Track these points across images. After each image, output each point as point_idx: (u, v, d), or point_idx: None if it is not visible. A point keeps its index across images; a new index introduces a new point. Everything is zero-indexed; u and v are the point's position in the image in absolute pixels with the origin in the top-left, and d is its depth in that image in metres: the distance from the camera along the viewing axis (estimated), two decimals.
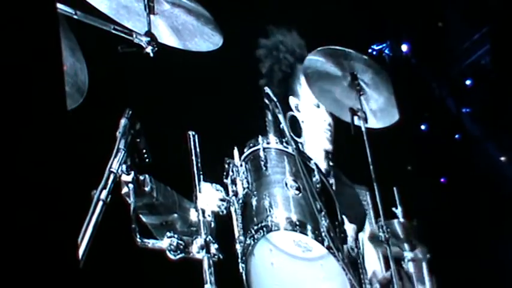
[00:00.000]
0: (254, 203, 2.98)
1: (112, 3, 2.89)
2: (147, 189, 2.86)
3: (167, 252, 2.78)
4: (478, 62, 7.25)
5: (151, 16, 2.89)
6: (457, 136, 7.33)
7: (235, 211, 3.01)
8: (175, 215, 3.00)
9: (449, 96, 7.41)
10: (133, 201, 2.75)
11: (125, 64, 3.48)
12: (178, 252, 2.78)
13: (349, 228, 3.33)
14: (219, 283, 2.77)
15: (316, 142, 3.96)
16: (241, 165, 3.10)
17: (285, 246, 2.94)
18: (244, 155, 3.15)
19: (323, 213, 2.92)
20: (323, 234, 2.85)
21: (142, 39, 2.79)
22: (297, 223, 2.89)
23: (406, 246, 3.49)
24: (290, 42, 4.11)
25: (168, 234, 2.80)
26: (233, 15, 4.11)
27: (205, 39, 3.10)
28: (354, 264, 3.14)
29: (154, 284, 3.57)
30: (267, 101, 3.37)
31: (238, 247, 2.93)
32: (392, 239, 3.30)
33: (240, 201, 3.02)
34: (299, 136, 3.90)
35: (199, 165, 2.97)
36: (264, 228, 2.87)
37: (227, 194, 3.02)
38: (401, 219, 3.55)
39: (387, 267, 3.41)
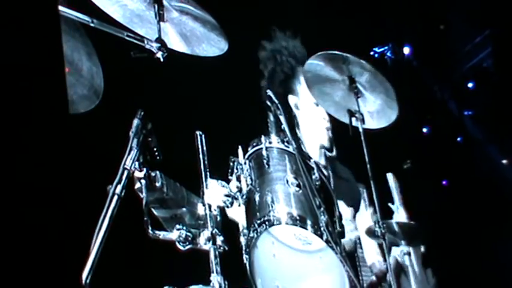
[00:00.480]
0: (257, 198, 3.04)
1: (126, 12, 2.99)
2: (158, 184, 2.96)
3: (177, 243, 2.88)
4: (480, 65, 7.20)
5: (162, 23, 2.97)
6: (458, 139, 7.30)
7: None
8: (184, 209, 3.10)
9: (451, 98, 7.34)
10: (145, 195, 2.87)
11: (137, 68, 3.53)
12: (187, 243, 2.87)
13: (347, 211, 3.41)
14: (224, 272, 2.84)
15: (315, 138, 4.05)
16: (245, 163, 3.16)
17: (286, 239, 3.01)
18: (248, 153, 3.21)
19: (322, 209, 2.99)
20: (322, 228, 2.92)
21: (153, 45, 2.88)
22: (298, 218, 2.95)
23: (402, 241, 3.51)
24: (292, 46, 4.17)
25: (178, 226, 2.89)
26: (237, 22, 4.11)
27: (212, 45, 3.16)
28: (351, 257, 3.24)
29: (164, 272, 3.58)
30: (269, 103, 3.44)
31: (242, 239, 3.00)
32: (388, 234, 3.33)
33: (244, 197, 3.07)
34: (299, 132, 3.98)
35: (206, 162, 3.06)
36: (267, 222, 2.93)
37: (232, 190, 3.05)
38: (399, 219, 3.61)
39: (385, 259, 3.42)
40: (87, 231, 2.45)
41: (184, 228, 2.91)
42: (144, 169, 2.87)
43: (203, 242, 2.90)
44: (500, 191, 6.98)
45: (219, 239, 2.92)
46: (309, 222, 2.96)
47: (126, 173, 2.72)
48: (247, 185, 3.10)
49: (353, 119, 3.59)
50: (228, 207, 3.04)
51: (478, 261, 6.32)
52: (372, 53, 6.94)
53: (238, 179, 3.13)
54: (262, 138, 3.22)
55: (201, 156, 3.08)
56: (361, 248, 3.93)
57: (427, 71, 7.33)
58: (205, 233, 2.91)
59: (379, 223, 3.33)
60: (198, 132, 3.15)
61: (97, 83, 2.83)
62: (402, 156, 6.55)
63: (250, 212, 3.06)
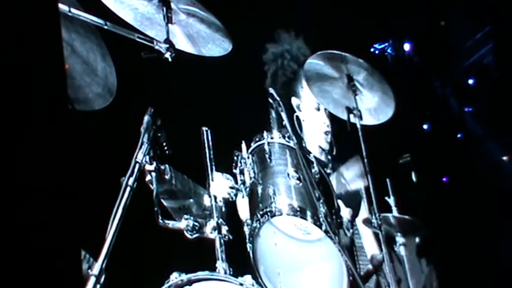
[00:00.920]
0: (260, 190, 3.20)
1: (137, 15, 3.18)
2: (167, 177, 3.13)
3: (184, 232, 3.05)
4: (481, 61, 7.19)
5: (170, 25, 3.15)
6: (459, 135, 7.29)
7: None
8: (191, 200, 3.27)
9: (451, 95, 7.33)
10: (155, 187, 3.01)
11: (147, 68, 3.66)
12: (194, 232, 3.05)
13: (345, 211, 3.57)
14: (229, 259, 3.01)
15: (315, 141, 4.21)
16: (248, 158, 3.31)
17: (287, 229, 3.17)
18: (251, 148, 3.37)
19: (321, 200, 3.16)
20: (321, 219, 3.09)
21: (162, 46, 3.04)
22: (298, 209, 3.11)
23: (397, 233, 3.71)
24: (296, 48, 4.30)
25: (185, 216, 3.06)
26: (241, 23, 4.17)
27: (217, 45, 3.33)
28: (349, 247, 3.40)
29: (173, 259, 3.64)
30: (271, 100, 3.58)
31: (246, 229, 3.17)
32: (384, 225, 3.50)
33: (248, 189, 3.24)
34: (300, 132, 4.10)
35: (211, 156, 3.22)
36: (269, 213, 3.10)
37: (236, 182, 3.25)
38: (396, 214, 3.75)
39: (382, 249, 3.53)
40: (102, 220, 2.66)
41: (192, 218, 3.08)
42: (154, 162, 3.02)
43: (209, 231, 3.07)
44: (500, 187, 6.91)
45: (224, 229, 3.09)
46: (308, 213, 3.12)
47: (137, 166, 2.88)
48: (250, 178, 3.26)
49: (351, 115, 3.76)
50: (232, 198, 3.21)
51: (479, 258, 6.33)
52: (372, 49, 6.96)
53: (242, 172, 3.29)
54: (265, 133, 3.38)
55: (207, 150, 3.24)
56: (359, 239, 4.10)
57: (428, 67, 7.32)
58: (211, 223, 3.09)
59: (375, 214, 3.49)
60: (204, 128, 3.31)
61: (111, 82, 2.96)
62: (402, 153, 6.45)
63: (253, 204, 3.23)
